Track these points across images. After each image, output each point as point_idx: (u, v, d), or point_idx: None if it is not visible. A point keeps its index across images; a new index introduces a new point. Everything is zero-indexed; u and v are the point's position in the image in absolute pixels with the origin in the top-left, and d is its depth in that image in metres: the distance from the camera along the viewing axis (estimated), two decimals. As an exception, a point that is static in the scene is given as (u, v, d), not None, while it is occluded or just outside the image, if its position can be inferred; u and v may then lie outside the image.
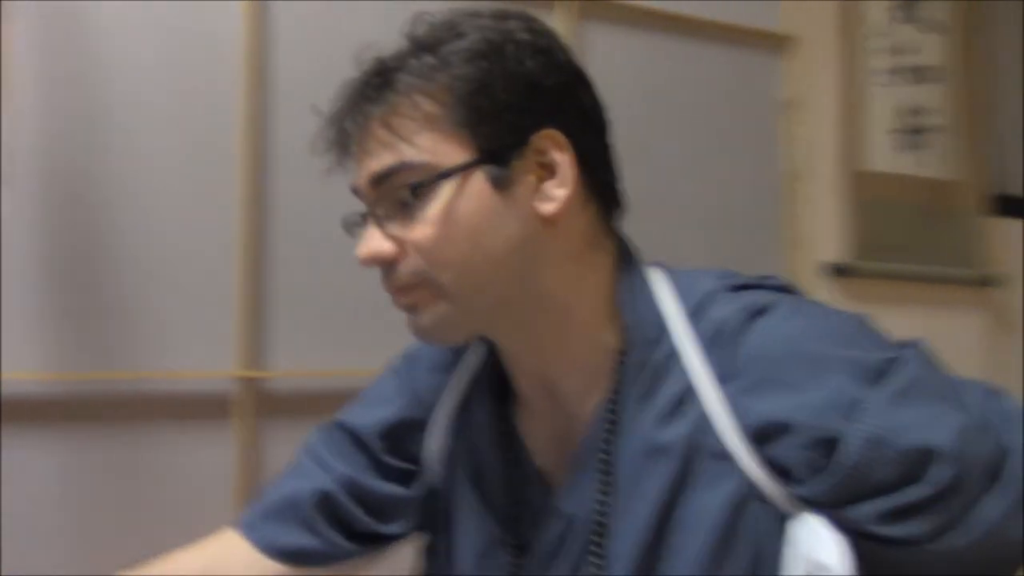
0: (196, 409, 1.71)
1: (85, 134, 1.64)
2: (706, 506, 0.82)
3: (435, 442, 0.98)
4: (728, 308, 0.84)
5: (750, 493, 0.81)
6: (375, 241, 0.84)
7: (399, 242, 0.83)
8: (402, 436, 0.99)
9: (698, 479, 0.82)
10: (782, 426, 0.79)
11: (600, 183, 0.89)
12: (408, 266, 0.84)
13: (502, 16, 0.86)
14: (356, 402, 1.04)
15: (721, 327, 0.83)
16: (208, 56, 1.75)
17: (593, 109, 0.89)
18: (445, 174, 0.82)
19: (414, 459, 1.00)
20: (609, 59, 2.14)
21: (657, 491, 0.83)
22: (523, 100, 0.83)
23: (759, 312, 0.83)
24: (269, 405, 1.75)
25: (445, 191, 0.82)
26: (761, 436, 0.80)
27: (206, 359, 1.72)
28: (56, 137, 1.62)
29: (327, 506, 0.98)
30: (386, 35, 0.87)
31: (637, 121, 2.16)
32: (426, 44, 0.84)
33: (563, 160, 0.84)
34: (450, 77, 0.82)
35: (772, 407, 0.80)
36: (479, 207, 0.82)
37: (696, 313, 0.86)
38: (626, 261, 0.90)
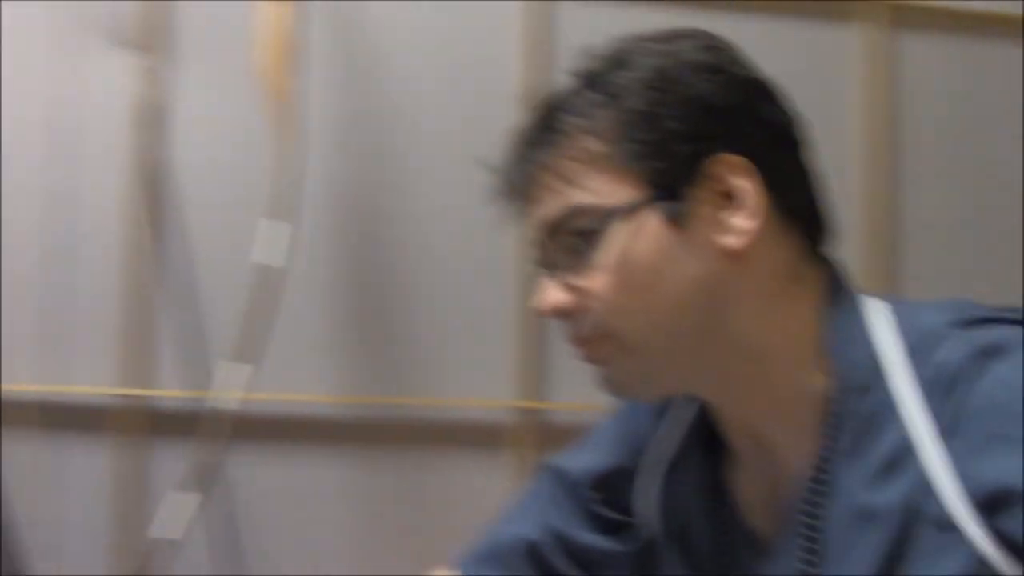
0: (475, 437, 1.73)
1: (372, 168, 1.72)
2: None
3: (646, 494, 0.92)
4: (957, 349, 0.71)
5: (981, 572, 0.68)
6: (550, 292, 0.79)
7: (576, 292, 0.78)
8: (616, 486, 0.94)
9: (918, 551, 0.70)
10: (1013, 493, 0.65)
11: (796, 207, 0.79)
12: (587, 317, 0.78)
13: (672, 37, 0.80)
14: (580, 444, 0.99)
15: (946, 371, 0.71)
16: (489, 80, 1.76)
17: (780, 125, 0.79)
18: (616, 216, 0.76)
19: (627, 510, 0.94)
20: (923, 68, 1.96)
21: (869, 562, 0.72)
22: (696, 126, 0.76)
23: (994, 353, 0.70)
24: (551, 437, 1.74)
25: (618, 234, 0.76)
26: (989, 504, 0.67)
27: (487, 388, 1.73)
28: (346, 173, 1.70)
29: (535, 556, 0.95)
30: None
31: (957, 135, 1.96)
32: (591, 79, 0.79)
33: (746, 187, 0.76)
34: (617, 112, 0.76)
35: (1002, 469, 0.66)
36: (656, 248, 0.76)
37: (918, 354, 0.73)
38: (836, 294, 0.79)
